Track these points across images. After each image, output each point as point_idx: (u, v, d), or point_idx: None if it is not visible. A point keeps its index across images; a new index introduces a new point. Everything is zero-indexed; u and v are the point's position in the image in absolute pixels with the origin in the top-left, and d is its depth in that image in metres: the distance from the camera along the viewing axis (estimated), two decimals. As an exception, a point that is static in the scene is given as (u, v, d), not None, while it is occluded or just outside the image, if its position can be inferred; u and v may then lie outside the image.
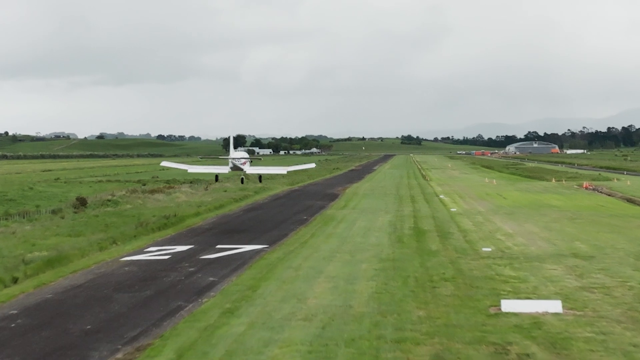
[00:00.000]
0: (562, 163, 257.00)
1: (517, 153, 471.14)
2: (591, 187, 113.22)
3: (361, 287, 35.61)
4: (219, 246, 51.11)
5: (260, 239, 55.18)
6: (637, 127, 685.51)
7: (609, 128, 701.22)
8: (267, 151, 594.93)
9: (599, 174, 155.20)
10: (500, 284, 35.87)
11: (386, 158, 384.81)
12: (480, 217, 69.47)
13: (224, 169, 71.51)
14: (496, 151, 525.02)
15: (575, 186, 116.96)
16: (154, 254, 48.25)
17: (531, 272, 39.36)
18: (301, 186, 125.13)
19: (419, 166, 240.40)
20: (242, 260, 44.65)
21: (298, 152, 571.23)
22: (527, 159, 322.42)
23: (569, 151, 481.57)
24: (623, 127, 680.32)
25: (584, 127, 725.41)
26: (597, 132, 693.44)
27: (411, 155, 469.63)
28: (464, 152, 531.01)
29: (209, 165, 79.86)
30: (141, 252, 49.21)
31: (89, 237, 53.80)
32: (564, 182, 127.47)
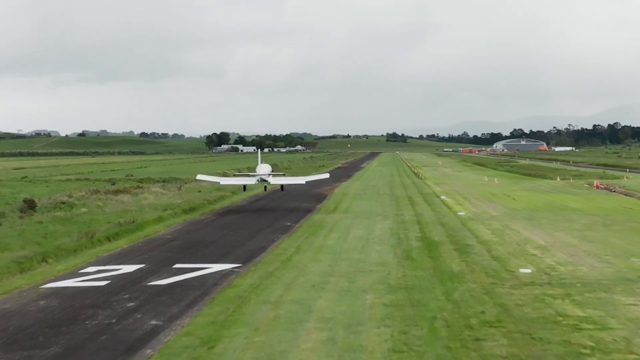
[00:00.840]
0: (556, 160, 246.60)
1: (505, 150, 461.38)
2: (603, 186, 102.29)
3: (370, 339, 24.04)
4: (177, 266, 39.36)
5: (232, 254, 43.47)
6: (622, 124, 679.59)
7: (594, 125, 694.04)
8: (251, 149, 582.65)
9: (604, 172, 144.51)
10: (572, 334, 24.41)
11: (373, 155, 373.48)
12: (497, 224, 58.00)
13: (252, 180, 79.10)
14: (483, 148, 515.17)
15: (586, 185, 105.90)
16: (90, 277, 36.46)
17: (604, 309, 27.94)
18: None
19: (408, 164, 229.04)
20: (203, 289, 32.93)
21: (282, 150, 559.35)
22: (518, 156, 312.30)
23: (557, 148, 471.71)
24: (609, 125, 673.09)
25: (569, 125, 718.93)
26: (582, 129, 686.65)
27: (397, 152, 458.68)
28: (450, 150, 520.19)
29: (239, 178, 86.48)
30: (75, 274, 37.44)
31: (14, 253, 41.90)
32: (571, 180, 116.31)
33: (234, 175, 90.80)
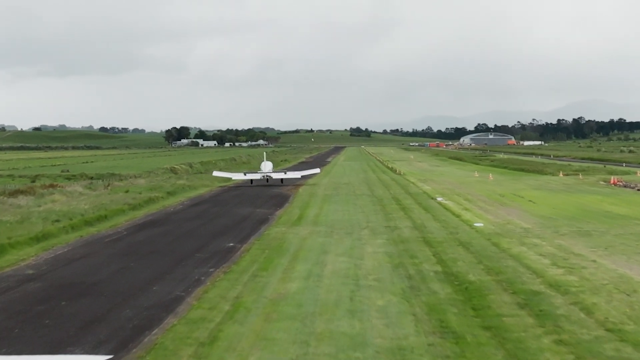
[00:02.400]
0: (533, 154, 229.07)
1: (473, 144, 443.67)
2: (622, 184, 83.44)
3: None
4: (-25, 362, 18.71)
5: (109, 320, 22.76)
6: (587, 119, 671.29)
7: (559, 120, 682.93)
8: (212, 143, 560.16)
9: (604, 166, 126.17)
10: None
11: (338, 150, 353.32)
12: (545, 244, 37.92)
13: (258, 176, 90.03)
14: (450, 143, 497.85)
15: (602, 182, 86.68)
16: None
17: None
18: (238, 183, 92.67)
19: (378, 158, 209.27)
20: None
21: (244, 144, 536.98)
22: (491, 150, 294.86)
23: (526, 143, 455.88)
24: (574, 119, 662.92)
25: (533, 120, 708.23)
26: (547, 124, 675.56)
27: (362, 147, 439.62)
28: (416, 144, 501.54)
29: (249, 173, 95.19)
30: None
31: None
32: (580, 177, 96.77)
33: (245, 174, 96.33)
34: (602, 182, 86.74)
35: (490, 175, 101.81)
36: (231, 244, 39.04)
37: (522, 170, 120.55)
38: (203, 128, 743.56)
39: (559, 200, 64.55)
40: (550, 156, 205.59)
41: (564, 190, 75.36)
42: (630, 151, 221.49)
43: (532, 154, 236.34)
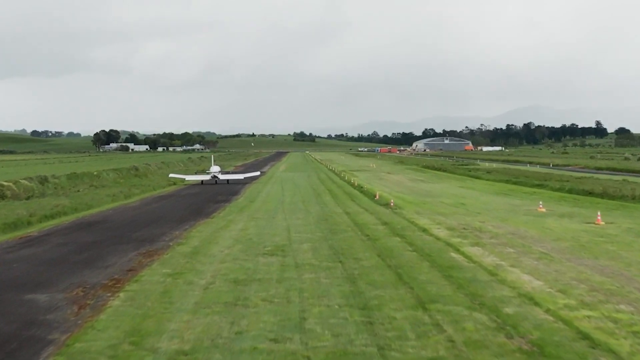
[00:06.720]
0: (518, 162, 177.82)
1: (428, 150, 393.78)
2: None
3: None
4: None
5: None
6: (536, 124, 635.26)
7: (508, 125, 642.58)
8: (144, 147, 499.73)
9: None
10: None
11: (280, 155, 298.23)
12: None
13: (208, 177, 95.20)
14: (403, 148, 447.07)
15: None
16: None
17: None
18: (69, 223, 37.40)
19: (329, 167, 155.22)
20: None
21: (178, 149, 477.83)
22: (456, 157, 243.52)
23: (485, 148, 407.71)
24: (524, 124, 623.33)
25: (482, 125, 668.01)
26: (496, 129, 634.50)
27: (307, 152, 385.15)
28: (366, 149, 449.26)
29: (199, 175, 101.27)
30: None
31: None
32: None
33: (195, 173, 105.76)
34: None
35: (600, 218, 45.92)
36: None
37: (590, 193, 66.31)
38: (143, 132, 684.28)
39: None
40: (549, 165, 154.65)
41: None
42: (639, 159, 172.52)
43: (516, 161, 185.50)
